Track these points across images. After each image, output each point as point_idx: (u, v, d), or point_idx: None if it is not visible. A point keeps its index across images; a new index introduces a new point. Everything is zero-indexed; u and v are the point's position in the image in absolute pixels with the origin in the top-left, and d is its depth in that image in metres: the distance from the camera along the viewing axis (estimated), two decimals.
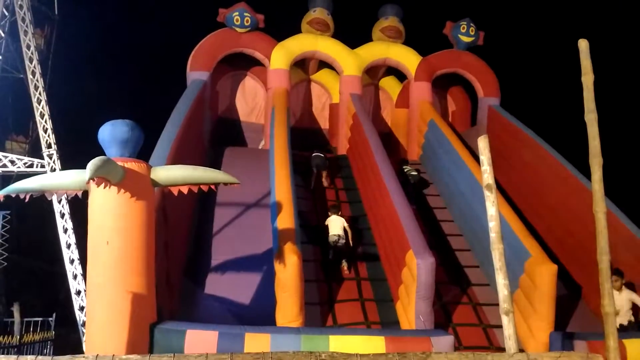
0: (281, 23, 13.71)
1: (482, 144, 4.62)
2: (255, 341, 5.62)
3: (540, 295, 7.30)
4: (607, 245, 4.38)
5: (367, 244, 9.85)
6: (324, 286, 8.74)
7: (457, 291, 9.01)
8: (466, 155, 10.61)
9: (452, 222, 10.75)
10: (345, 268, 9.05)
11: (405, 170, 11.77)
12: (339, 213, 9.44)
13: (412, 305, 7.49)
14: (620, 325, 7.06)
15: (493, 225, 4.45)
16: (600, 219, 4.44)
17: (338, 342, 5.65)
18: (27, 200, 5.71)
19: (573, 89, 5.11)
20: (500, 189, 10.24)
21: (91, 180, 5.10)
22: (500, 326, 4.63)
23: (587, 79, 4.67)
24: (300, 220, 8.58)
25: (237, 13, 12.89)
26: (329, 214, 9.44)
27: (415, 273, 7.42)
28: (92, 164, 4.91)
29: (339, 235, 8.92)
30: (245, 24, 12.94)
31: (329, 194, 11.41)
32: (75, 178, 5.58)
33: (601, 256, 4.39)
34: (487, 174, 4.53)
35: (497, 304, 4.60)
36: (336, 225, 9.04)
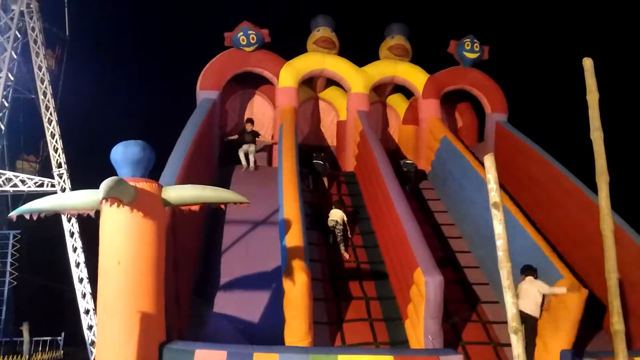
0: (289, 43, 13.89)
1: (488, 163, 4.64)
2: None
3: (566, 316, 7.32)
4: (615, 264, 4.37)
5: (375, 262, 9.85)
6: (332, 305, 8.72)
7: (466, 309, 8.95)
8: (482, 172, 10.55)
9: (460, 239, 10.72)
10: (344, 252, 10.06)
11: (404, 165, 12.68)
12: (343, 208, 10.58)
13: (421, 323, 7.46)
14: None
15: (500, 243, 4.46)
16: (607, 236, 4.44)
17: None
18: (38, 218, 5.78)
19: (581, 104, 5.13)
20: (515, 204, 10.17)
21: (104, 200, 5.18)
22: (510, 344, 4.62)
23: (592, 97, 4.71)
24: (309, 238, 8.61)
25: (241, 33, 13.05)
26: (333, 207, 10.62)
27: (424, 291, 7.41)
28: (105, 185, 4.99)
29: (335, 221, 10.26)
30: (252, 41, 13.10)
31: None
32: (87, 198, 5.65)
33: (609, 274, 4.39)
34: (493, 193, 4.55)
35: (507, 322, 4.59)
36: (336, 215, 10.37)
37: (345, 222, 10.35)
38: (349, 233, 10.40)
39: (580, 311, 7.33)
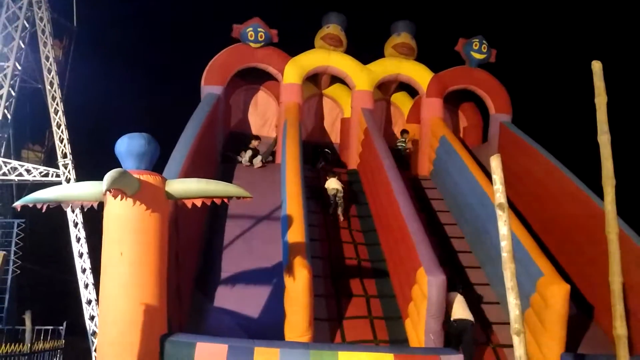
0: (295, 39, 13.88)
1: (495, 163, 4.61)
2: (265, 356, 5.64)
3: (552, 314, 7.24)
4: (619, 267, 4.35)
5: (377, 260, 9.85)
6: (333, 302, 8.72)
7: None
8: (477, 172, 10.60)
9: (462, 239, 10.71)
10: (341, 216, 10.97)
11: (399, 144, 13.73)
12: (337, 177, 11.30)
13: (422, 322, 7.45)
14: None
15: (505, 244, 4.43)
16: (612, 240, 4.42)
17: (347, 359, 5.64)
18: (43, 210, 5.81)
19: (586, 106, 5.11)
20: (511, 205, 10.19)
21: (107, 192, 5.19)
22: (510, 346, 4.60)
23: (600, 100, 4.67)
24: (311, 235, 8.62)
25: (251, 29, 13.05)
26: (327, 177, 11.25)
27: (426, 290, 7.40)
28: (108, 176, 5.00)
29: (337, 189, 10.96)
30: (260, 39, 13.10)
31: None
32: (91, 189, 5.67)
33: (613, 277, 4.37)
34: (499, 193, 4.52)
35: (508, 323, 4.58)
36: (335, 183, 11.06)
37: (344, 188, 11.12)
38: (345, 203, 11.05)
39: (564, 306, 7.23)
